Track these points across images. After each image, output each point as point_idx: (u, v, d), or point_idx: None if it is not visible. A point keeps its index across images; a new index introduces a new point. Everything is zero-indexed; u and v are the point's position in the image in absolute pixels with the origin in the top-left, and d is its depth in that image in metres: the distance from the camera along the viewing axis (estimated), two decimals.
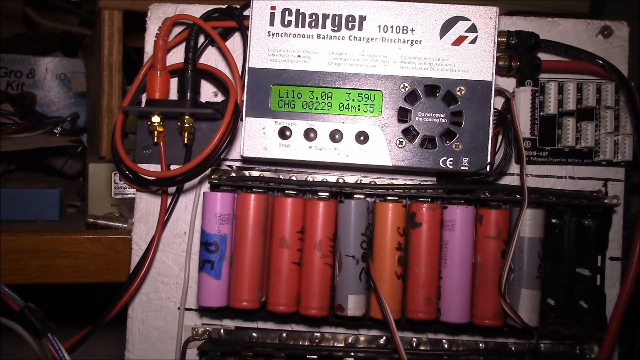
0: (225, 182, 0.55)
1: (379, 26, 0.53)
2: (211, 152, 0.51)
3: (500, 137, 0.55)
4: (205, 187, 0.56)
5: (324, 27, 0.53)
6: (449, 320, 0.53)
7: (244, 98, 0.53)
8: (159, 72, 0.54)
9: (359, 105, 0.53)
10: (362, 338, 0.57)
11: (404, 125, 0.53)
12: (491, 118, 0.52)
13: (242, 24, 0.55)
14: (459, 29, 0.52)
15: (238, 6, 0.55)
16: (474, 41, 0.52)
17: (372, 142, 0.53)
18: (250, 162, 0.57)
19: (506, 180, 0.57)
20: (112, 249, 0.58)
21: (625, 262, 0.55)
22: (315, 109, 0.53)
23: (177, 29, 0.56)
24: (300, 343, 0.57)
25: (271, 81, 0.53)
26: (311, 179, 0.56)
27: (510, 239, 0.53)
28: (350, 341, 0.57)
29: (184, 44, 0.55)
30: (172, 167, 0.55)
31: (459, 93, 0.52)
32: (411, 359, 0.55)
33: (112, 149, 0.54)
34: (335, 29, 0.53)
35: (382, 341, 0.57)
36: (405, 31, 0.53)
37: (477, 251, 0.54)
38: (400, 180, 0.57)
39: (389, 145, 0.53)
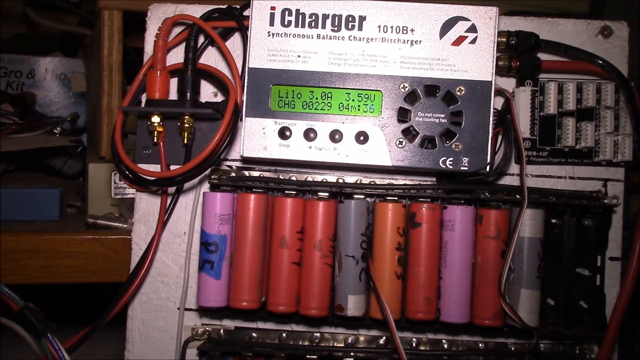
0: (225, 182, 0.55)
1: (379, 26, 0.53)
2: (211, 152, 0.51)
3: (500, 137, 0.55)
4: (205, 187, 0.56)
5: (323, 27, 0.53)
6: (449, 321, 0.53)
7: (244, 98, 0.53)
8: (158, 72, 0.54)
9: (358, 106, 0.53)
10: (361, 338, 0.57)
11: (404, 126, 0.53)
12: (491, 118, 0.52)
13: (242, 24, 0.55)
14: (459, 29, 0.52)
15: (238, 6, 0.55)
16: (473, 41, 0.52)
17: (372, 142, 0.53)
18: (250, 162, 0.57)
19: (506, 181, 0.57)
20: (112, 249, 0.58)
21: (625, 262, 0.55)
22: (315, 109, 0.53)
23: (177, 29, 0.56)
24: (300, 343, 0.57)
25: (271, 81, 0.53)
26: (311, 179, 0.56)
27: (510, 239, 0.53)
28: (350, 341, 0.57)
29: (183, 44, 0.55)
30: (172, 167, 0.55)
31: (458, 93, 0.52)
32: (411, 359, 0.55)
33: (112, 149, 0.54)
34: (335, 29, 0.53)
35: (381, 341, 0.57)
36: (405, 31, 0.53)
37: (477, 251, 0.54)
38: (400, 181, 0.57)
39: (389, 145, 0.53)
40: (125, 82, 0.75)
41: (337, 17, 0.53)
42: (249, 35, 0.53)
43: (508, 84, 0.57)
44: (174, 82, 0.56)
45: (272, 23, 0.53)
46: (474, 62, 0.52)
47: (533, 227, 0.53)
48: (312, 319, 0.55)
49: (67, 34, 1.01)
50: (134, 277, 0.54)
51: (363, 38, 0.53)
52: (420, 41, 0.52)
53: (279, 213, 0.54)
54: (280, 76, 0.53)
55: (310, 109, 0.53)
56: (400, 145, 0.53)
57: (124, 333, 0.57)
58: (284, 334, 0.57)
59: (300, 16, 0.53)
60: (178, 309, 0.57)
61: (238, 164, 0.57)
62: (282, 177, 0.56)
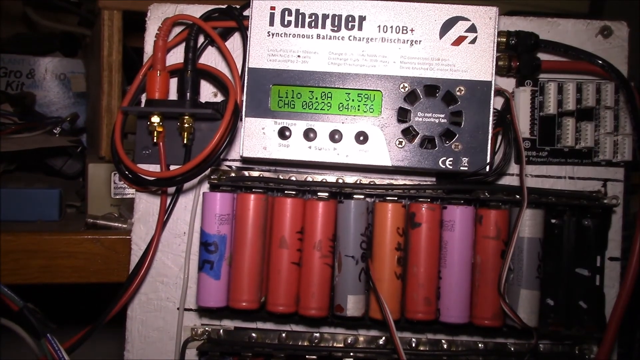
0: (225, 183, 0.55)
1: (379, 26, 0.53)
2: (211, 152, 0.51)
3: (499, 137, 0.55)
4: (205, 187, 0.56)
5: (323, 27, 0.53)
6: (449, 321, 0.53)
7: (244, 98, 0.53)
8: (158, 72, 0.54)
9: (358, 106, 0.53)
10: (361, 338, 0.57)
11: (404, 126, 0.53)
12: (491, 118, 0.52)
13: (241, 24, 0.55)
14: (459, 29, 0.52)
15: (238, 6, 0.55)
16: (473, 41, 0.52)
17: (371, 142, 0.53)
18: (249, 162, 0.57)
19: (506, 181, 0.57)
20: (111, 249, 0.58)
21: (625, 262, 0.55)
22: (315, 109, 0.53)
23: (177, 29, 0.56)
24: (300, 343, 0.57)
25: (271, 81, 0.53)
26: (311, 179, 0.56)
27: (509, 239, 0.53)
28: (349, 341, 0.57)
29: (183, 44, 0.55)
30: (172, 167, 0.55)
31: (458, 93, 0.52)
32: (410, 359, 0.55)
33: (112, 149, 0.54)
34: (335, 29, 0.53)
35: (381, 341, 0.57)
36: (405, 31, 0.53)
37: (477, 251, 0.54)
38: (400, 181, 0.57)
39: (389, 145, 0.53)
40: (125, 82, 0.75)
41: (336, 17, 0.53)
42: (248, 35, 0.53)
43: (508, 84, 0.57)
44: (173, 82, 0.56)
45: (272, 23, 0.53)
46: (474, 62, 0.52)
47: (533, 227, 0.53)
48: (311, 319, 0.55)
49: (67, 34, 1.01)
50: (134, 277, 0.54)
51: (363, 38, 0.53)
52: (420, 41, 0.52)
53: (279, 213, 0.54)
54: (280, 76, 0.53)
55: (310, 109, 0.53)
56: (400, 145, 0.53)
57: (124, 333, 0.57)
58: (284, 334, 0.57)
59: (300, 16, 0.53)
60: (177, 309, 0.57)
61: (238, 164, 0.57)
62: (281, 177, 0.56)
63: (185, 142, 0.55)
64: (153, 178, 0.54)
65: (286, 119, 0.53)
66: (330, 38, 0.53)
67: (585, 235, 0.55)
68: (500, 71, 0.55)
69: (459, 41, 0.52)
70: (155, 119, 0.54)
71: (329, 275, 0.54)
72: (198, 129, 0.56)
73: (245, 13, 0.55)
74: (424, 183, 0.56)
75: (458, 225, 0.53)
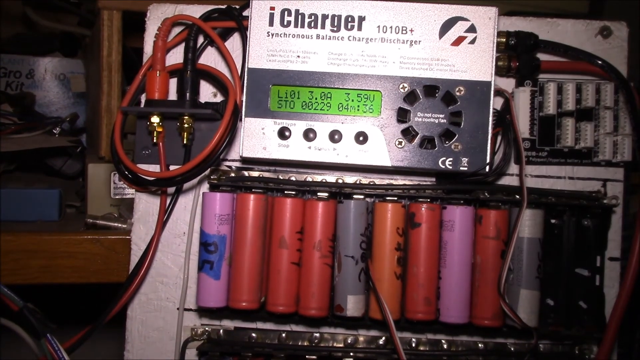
0: (225, 183, 0.55)
1: (378, 26, 0.53)
2: (210, 153, 0.51)
3: (499, 138, 0.55)
4: (205, 187, 0.56)
5: (323, 27, 0.53)
6: (448, 321, 0.53)
7: (243, 98, 0.53)
8: (158, 72, 0.54)
9: (358, 106, 0.53)
10: (361, 338, 0.58)
11: (403, 126, 0.53)
12: (490, 118, 0.52)
13: (241, 25, 0.55)
14: (458, 29, 0.52)
15: (237, 6, 0.55)
16: (473, 41, 0.52)
17: (371, 143, 0.53)
18: (249, 162, 0.57)
19: (505, 181, 0.57)
20: (111, 249, 0.58)
21: (625, 262, 0.55)
22: (315, 109, 0.53)
23: (177, 29, 0.56)
24: (300, 343, 0.57)
25: (270, 81, 0.53)
26: (310, 179, 0.56)
27: (509, 239, 0.53)
28: (349, 341, 0.57)
29: (183, 44, 0.55)
30: (172, 168, 0.55)
31: (458, 93, 0.52)
32: (410, 359, 0.55)
33: (112, 149, 0.54)
34: (335, 29, 0.53)
35: (381, 341, 0.57)
36: (404, 31, 0.53)
37: (477, 251, 0.54)
38: (400, 181, 0.57)
39: (388, 145, 0.53)
40: (124, 83, 0.75)
41: (336, 18, 0.53)
42: (248, 36, 0.53)
43: (507, 84, 0.57)
44: (173, 83, 0.56)
45: (271, 23, 0.53)
46: (474, 62, 0.52)
47: (532, 227, 0.53)
48: (311, 319, 0.55)
49: (66, 34, 1.01)
50: (134, 277, 0.55)
51: (362, 38, 0.53)
52: (419, 41, 0.52)
53: (279, 213, 0.54)
54: (280, 76, 0.53)
55: (310, 109, 0.53)
56: (399, 146, 0.53)
57: (124, 333, 0.57)
58: (284, 334, 0.57)
59: (300, 16, 0.53)
60: (177, 309, 0.57)
61: (237, 164, 0.57)
62: (281, 178, 0.56)
63: (185, 142, 0.55)
64: (153, 178, 0.54)
65: (286, 119, 0.53)
66: (329, 38, 0.53)
67: (585, 235, 0.55)
68: (499, 71, 0.55)
69: (458, 41, 0.52)
70: (155, 119, 0.54)
71: (329, 275, 0.54)
72: (198, 129, 0.56)
73: (245, 13, 0.55)
74: (424, 183, 0.56)
75: (458, 225, 0.53)
